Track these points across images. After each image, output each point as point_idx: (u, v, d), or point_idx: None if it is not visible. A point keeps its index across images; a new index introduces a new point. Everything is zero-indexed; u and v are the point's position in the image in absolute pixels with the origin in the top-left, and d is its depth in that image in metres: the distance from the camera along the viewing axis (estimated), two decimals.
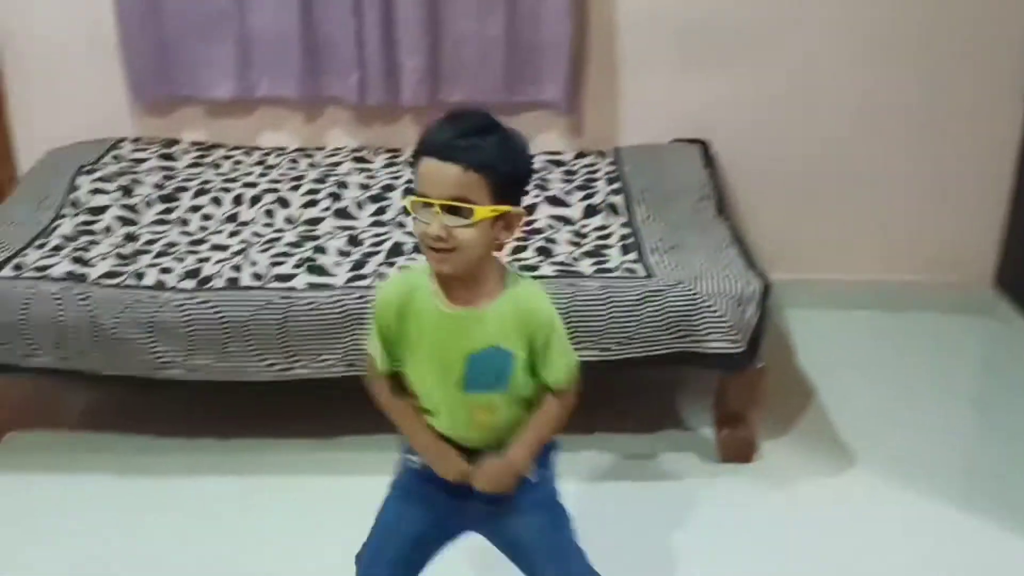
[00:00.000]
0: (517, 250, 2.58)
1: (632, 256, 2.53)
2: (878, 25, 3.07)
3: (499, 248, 1.50)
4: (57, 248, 2.58)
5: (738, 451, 2.51)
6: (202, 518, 2.33)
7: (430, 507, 1.63)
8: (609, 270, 2.46)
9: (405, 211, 2.76)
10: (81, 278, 2.42)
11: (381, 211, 2.78)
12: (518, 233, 1.53)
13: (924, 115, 3.15)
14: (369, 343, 1.62)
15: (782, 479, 2.46)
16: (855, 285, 3.31)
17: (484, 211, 1.43)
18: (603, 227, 2.71)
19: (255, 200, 2.82)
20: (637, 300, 2.35)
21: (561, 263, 2.51)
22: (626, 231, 2.67)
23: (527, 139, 1.53)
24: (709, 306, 2.34)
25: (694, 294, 2.35)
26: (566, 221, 2.74)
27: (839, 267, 3.31)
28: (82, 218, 2.73)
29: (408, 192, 1.33)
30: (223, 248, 2.61)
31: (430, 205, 1.42)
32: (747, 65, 3.11)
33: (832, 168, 3.22)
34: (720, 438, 2.52)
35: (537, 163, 3.02)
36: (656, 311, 2.34)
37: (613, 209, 2.77)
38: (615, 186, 2.89)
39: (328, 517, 2.30)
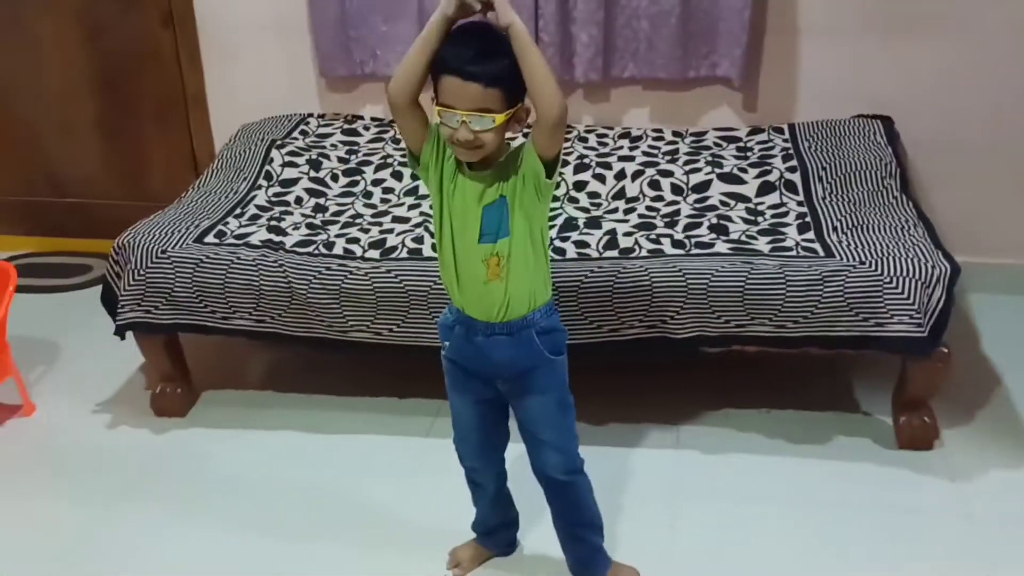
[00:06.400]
0: (690, 227, 2.58)
1: (809, 235, 2.49)
2: None
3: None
4: (254, 218, 2.75)
5: (918, 438, 2.44)
6: (376, 474, 2.46)
7: (472, 394, 1.96)
8: (786, 248, 2.43)
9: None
10: (278, 246, 2.57)
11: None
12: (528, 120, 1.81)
13: None
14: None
15: (961, 469, 2.38)
16: None
17: (502, 117, 1.73)
18: (779, 205, 2.66)
19: None
20: (816, 279, 2.31)
21: (736, 241, 2.49)
22: (802, 209, 2.62)
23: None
24: (893, 288, 2.28)
25: (878, 275, 2.29)
26: (741, 198, 2.71)
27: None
28: (275, 190, 2.90)
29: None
30: (404, 220, 2.72)
31: (456, 114, 1.71)
32: (935, 38, 2.96)
33: (1020, 148, 3.04)
34: (899, 424, 2.46)
35: (709, 139, 3.01)
36: (836, 291, 2.30)
37: (790, 187, 2.72)
38: (791, 163, 2.83)
39: None
